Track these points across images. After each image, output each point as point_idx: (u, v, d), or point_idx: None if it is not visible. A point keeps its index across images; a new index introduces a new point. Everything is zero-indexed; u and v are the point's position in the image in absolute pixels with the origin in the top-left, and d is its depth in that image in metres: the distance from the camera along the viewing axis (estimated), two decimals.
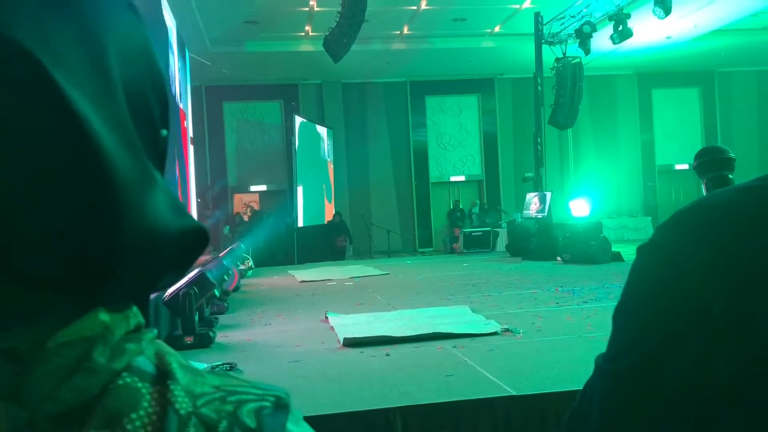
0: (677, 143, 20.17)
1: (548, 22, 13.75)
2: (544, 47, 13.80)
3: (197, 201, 15.02)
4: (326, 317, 5.93)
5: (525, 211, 12.63)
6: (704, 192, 3.62)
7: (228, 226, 16.97)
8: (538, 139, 13.76)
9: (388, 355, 4.36)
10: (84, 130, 0.36)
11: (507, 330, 4.97)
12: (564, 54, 14.18)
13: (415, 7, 13.75)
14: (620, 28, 12.57)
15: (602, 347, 0.67)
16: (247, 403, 0.39)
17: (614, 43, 12.94)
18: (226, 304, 6.82)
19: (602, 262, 10.04)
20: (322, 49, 12.06)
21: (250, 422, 0.38)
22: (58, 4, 0.38)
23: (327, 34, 11.77)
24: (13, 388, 0.35)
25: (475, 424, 3.17)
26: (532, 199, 12.48)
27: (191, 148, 14.21)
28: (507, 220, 15.30)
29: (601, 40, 13.48)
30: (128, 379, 0.37)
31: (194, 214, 13.78)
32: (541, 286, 7.82)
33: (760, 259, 0.57)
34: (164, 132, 0.45)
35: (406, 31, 15.28)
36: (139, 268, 0.39)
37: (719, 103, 20.43)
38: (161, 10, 10.16)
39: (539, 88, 13.88)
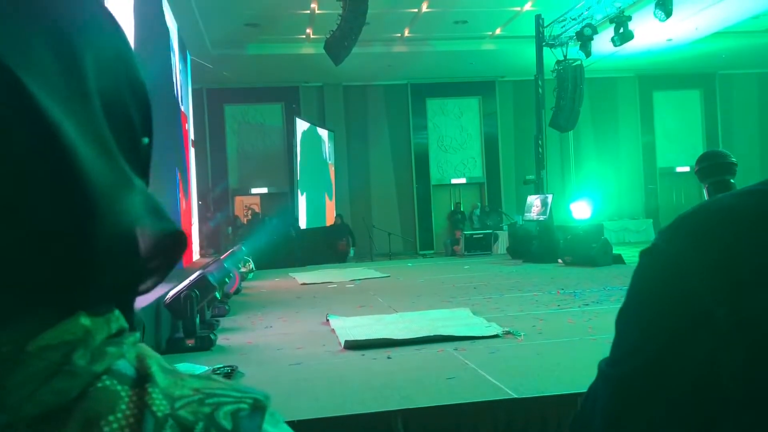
0: (678, 145, 20.18)
1: (549, 24, 13.76)
2: (545, 50, 13.81)
3: (198, 203, 15.02)
4: (327, 320, 5.93)
5: (526, 214, 12.62)
6: (706, 196, 3.61)
7: (230, 228, 16.98)
8: (539, 142, 13.77)
9: (389, 357, 4.36)
10: (55, 134, 0.36)
11: (508, 333, 4.96)
12: (565, 56, 14.19)
13: (416, 10, 13.76)
14: (621, 30, 12.57)
15: (604, 350, 0.66)
16: (224, 405, 0.40)
17: (615, 45, 12.94)
18: (227, 307, 6.82)
19: (603, 265, 10.03)
20: (323, 51, 12.07)
21: (227, 424, 0.39)
22: (31, 12, 0.39)
23: (328, 36, 11.78)
24: None
25: (476, 427, 3.16)
26: (534, 202, 12.48)
27: (192, 151, 14.23)
28: (508, 223, 15.29)
29: (602, 43, 13.49)
30: (107, 382, 0.38)
31: (195, 216, 13.78)
32: (542, 288, 7.81)
33: (763, 262, 0.57)
34: (146, 140, 0.45)
35: (407, 33, 15.29)
36: (118, 272, 0.39)
37: (720, 106, 20.43)
38: (162, 12, 10.18)
39: (540, 90, 13.88)
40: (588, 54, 13.37)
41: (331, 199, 18.00)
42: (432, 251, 18.86)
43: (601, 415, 0.64)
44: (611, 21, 12.73)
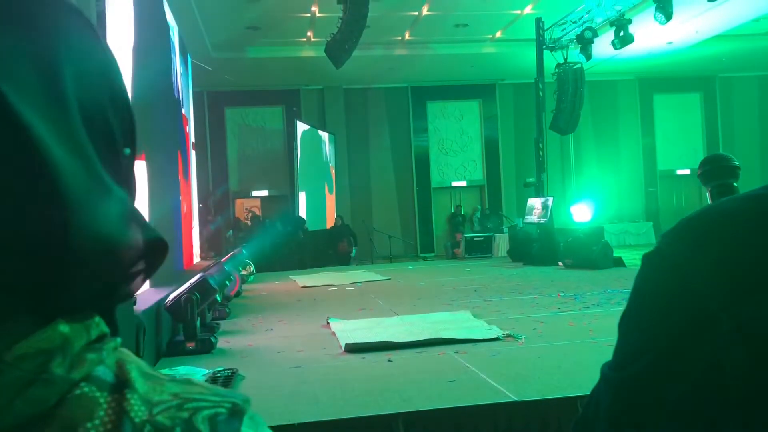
0: (679, 148, 20.19)
1: (549, 27, 13.76)
2: (546, 53, 13.81)
3: (199, 206, 15.02)
4: (328, 322, 5.92)
5: (527, 217, 12.61)
6: (709, 200, 3.61)
7: (231, 231, 16.97)
8: (540, 145, 13.76)
9: (389, 360, 4.35)
10: (31, 139, 0.36)
11: (509, 335, 4.95)
12: (565, 59, 14.19)
13: (416, 13, 13.78)
14: (621, 33, 12.58)
15: (604, 353, 0.66)
16: (202, 410, 0.40)
17: (615, 48, 12.94)
18: (227, 310, 6.81)
19: (604, 268, 10.02)
20: (324, 54, 12.07)
21: (204, 428, 0.39)
22: (9, 22, 0.39)
23: (329, 39, 11.79)
24: None
25: (476, 430, 3.16)
26: (534, 205, 12.47)
27: (193, 154, 14.23)
28: (508, 225, 15.29)
29: (603, 46, 13.49)
30: (86, 389, 0.38)
31: (196, 219, 13.78)
32: (542, 291, 7.80)
33: (765, 266, 0.57)
34: (127, 151, 0.46)
35: (407, 36, 15.31)
36: (96, 278, 0.40)
37: (721, 109, 20.44)
38: (164, 11, 10.20)
39: (540, 93, 13.88)
40: (588, 57, 13.38)
41: (331, 193, 17.97)
42: (432, 254, 18.86)
43: (605, 418, 0.64)
44: (611, 24, 12.73)
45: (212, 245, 16.17)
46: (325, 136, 17.88)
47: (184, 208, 11.03)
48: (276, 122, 18.81)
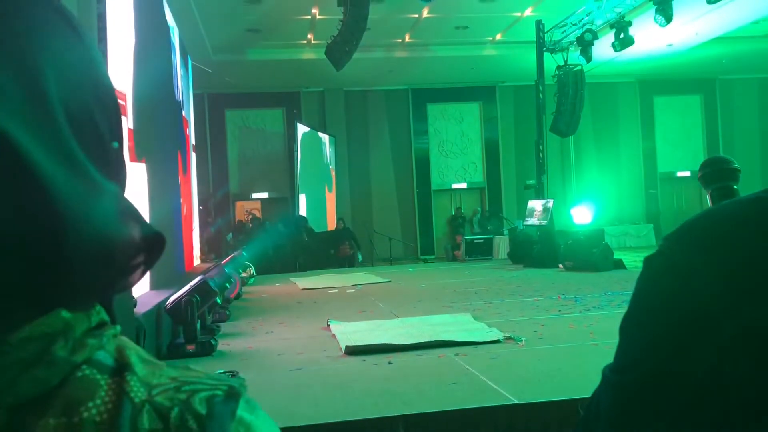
0: (679, 150, 20.20)
1: (550, 29, 13.77)
2: (546, 55, 13.82)
3: (199, 209, 15.02)
4: (328, 325, 5.92)
5: (527, 219, 12.61)
6: (709, 203, 3.60)
7: (231, 233, 16.96)
8: (540, 147, 13.77)
9: (390, 363, 4.35)
10: (9, 143, 0.37)
11: (509, 338, 4.95)
12: (565, 61, 14.20)
13: (416, 15, 13.79)
14: (621, 35, 12.59)
15: (605, 355, 0.66)
16: (200, 392, 0.42)
17: (616, 50, 12.95)
18: (227, 312, 6.81)
19: (604, 270, 10.02)
20: (324, 56, 12.08)
21: (201, 409, 0.41)
22: None
23: (329, 42, 11.80)
24: None
25: None
26: (534, 207, 12.47)
27: (193, 156, 14.23)
28: (509, 228, 15.28)
29: (603, 48, 13.51)
30: (87, 371, 0.40)
31: (196, 221, 13.77)
32: (543, 293, 7.80)
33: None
34: (115, 144, 0.46)
35: (408, 38, 15.32)
36: (94, 273, 0.41)
37: (721, 111, 20.44)
38: (164, 12, 10.20)
39: (541, 95, 13.89)
40: (588, 59, 13.39)
41: (330, 188, 17.96)
42: (433, 256, 18.86)
43: (606, 421, 0.64)
44: (612, 26, 12.74)
45: (212, 247, 16.16)
46: (325, 138, 17.89)
47: (184, 210, 11.03)
48: (276, 124, 18.82)
